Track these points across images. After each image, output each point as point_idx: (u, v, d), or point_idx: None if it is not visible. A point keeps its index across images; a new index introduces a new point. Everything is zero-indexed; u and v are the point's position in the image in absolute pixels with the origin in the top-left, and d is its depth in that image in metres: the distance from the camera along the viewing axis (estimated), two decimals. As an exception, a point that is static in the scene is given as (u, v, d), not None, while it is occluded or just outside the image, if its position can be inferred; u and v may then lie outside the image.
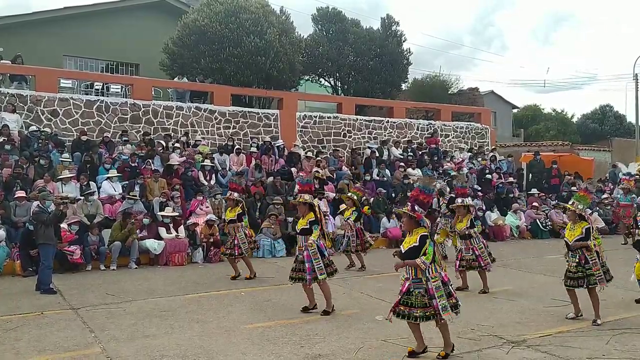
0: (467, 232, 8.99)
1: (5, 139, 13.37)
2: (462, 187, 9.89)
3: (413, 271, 5.63)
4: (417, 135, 21.33)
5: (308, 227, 7.47)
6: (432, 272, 5.60)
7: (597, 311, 7.12)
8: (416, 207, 5.63)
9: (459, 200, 9.33)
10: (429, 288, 5.57)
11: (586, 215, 7.27)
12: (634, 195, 16.26)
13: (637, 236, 8.78)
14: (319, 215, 7.56)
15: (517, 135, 37.70)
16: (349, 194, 11.91)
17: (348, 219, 11.52)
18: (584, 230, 7.09)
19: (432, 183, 5.70)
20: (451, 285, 5.78)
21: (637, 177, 19.20)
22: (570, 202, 7.36)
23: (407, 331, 6.72)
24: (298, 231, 7.68)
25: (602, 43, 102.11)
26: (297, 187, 10.12)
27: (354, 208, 11.51)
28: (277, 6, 21.73)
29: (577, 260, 7.11)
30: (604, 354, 5.93)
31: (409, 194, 15.95)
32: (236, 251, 10.05)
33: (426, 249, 5.54)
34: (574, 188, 19.20)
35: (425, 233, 5.59)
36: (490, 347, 6.19)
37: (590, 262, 7.08)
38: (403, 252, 5.71)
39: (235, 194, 9.94)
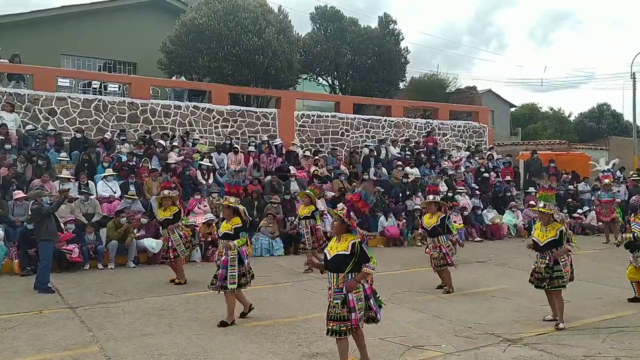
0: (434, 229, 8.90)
1: (3, 138, 13.36)
2: (433, 185, 9.86)
3: (335, 280, 5.16)
4: (415, 134, 21.37)
5: (232, 232, 7.01)
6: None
7: (562, 315, 6.90)
8: (352, 214, 5.19)
9: (430, 197, 9.26)
10: (348, 300, 5.08)
11: (558, 217, 7.02)
12: (614, 191, 16.28)
13: (621, 237, 8.64)
14: (246, 220, 7.21)
15: (515, 134, 37.73)
16: (306, 191, 11.48)
17: (302, 217, 11.07)
18: (558, 233, 6.82)
19: (374, 191, 5.36)
20: (378, 296, 5.30)
21: (637, 176, 19.25)
22: (541, 205, 7.02)
23: (404, 330, 6.76)
24: (220, 235, 7.24)
25: (600, 42, 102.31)
26: (224, 188, 8.95)
27: (312, 207, 11.00)
28: (275, 5, 21.80)
29: (546, 261, 6.89)
30: (600, 352, 5.96)
31: (407, 193, 16.19)
32: (171, 254, 9.40)
33: (364, 254, 5.09)
34: (571, 187, 19.31)
35: (355, 240, 5.10)
36: (487, 345, 6.22)
37: (561, 264, 6.84)
38: (329, 258, 5.20)
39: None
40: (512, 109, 40.77)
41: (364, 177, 16.44)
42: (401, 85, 25.97)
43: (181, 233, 9.58)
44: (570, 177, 19.98)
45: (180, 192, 13.55)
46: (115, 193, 13.04)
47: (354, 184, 16.71)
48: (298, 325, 6.99)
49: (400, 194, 16.44)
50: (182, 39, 18.56)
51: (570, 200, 18.57)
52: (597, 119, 38.44)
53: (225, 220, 7.26)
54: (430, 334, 6.60)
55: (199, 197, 13.45)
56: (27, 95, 15.08)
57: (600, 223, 16.49)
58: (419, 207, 15.50)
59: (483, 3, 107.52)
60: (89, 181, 12.95)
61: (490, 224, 16.67)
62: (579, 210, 18.16)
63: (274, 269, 11.25)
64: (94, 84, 18.82)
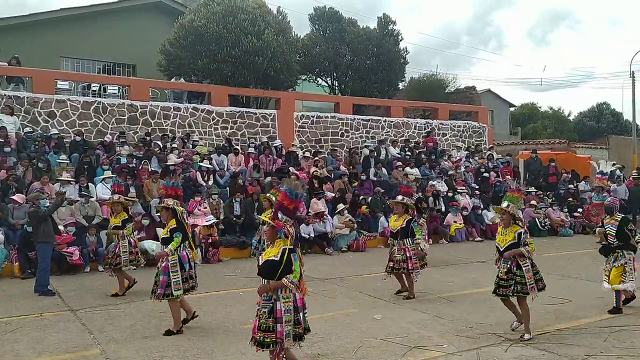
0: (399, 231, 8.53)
1: (2, 140, 13.35)
2: (406, 186, 9.43)
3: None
4: (415, 134, 21.36)
5: (169, 236, 6.73)
6: (286, 292, 4.73)
7: (527, 324, 6.49)
8: (279, 215, 4.80)
9: (399, 197, 8.84)
10: (276, 309, 4.70)
11: (519, 219, 6.73)
12: (605, 194, 16.23)
13: (599, 237, 8.23)
14: (183, 222, 6.89)
15: (515, 134, 37.76)
16: (268, 195, 10.62)
17: (264, 223, 10.72)
18: (516, 235, 6.50)
19: (300, 186, 4.88)
20: (305, 312, 4.87)
21: (638, 176, 19.24)
22: (504, 205, 6.70)
23: (405, 330, 6.75)
24: (160, 241, 6.87)
25: (599, 41, 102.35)
26: (161, 190, 8.28)
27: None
28: (274, 6, 21.79)
29: (508, 266, 6.54)
30: (601, 351, 5.95)
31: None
32: (114, 261, 8.91)
33: (290, 264, 4.70)
34: (571, 186, 19.30)
35: (286, 246, 4.72)
36: (489, 344, 6.21)
37: (523, 269, 6.45)
38: (260, 264, 4.87)
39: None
40: (512, 109, 40.81)
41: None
42: (400, 85, 26.00)
43: (131, 241, 9.12)
44: (570, 176, 19.98)
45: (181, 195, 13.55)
46: (114, 195, 13.00)
47: (355, 184, 16.74)
48: (299, 326, 6.96)
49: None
50: (181, 41, 18.57)
51: (570, 199, 18.57)
52: (596, 118, 38.46)
53: (165, 224, 6.99)
54: (431, 334, 6.59)
55: (199, 198, 13.43)
56: (27, 97, 15.08)
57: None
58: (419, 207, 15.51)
59: (482, 3, 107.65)
60: (89, 183, 12.93)
61: (491, 223, 16.65)
62: (579, 210, 18.15)
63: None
64: (94, 86, 18.82)
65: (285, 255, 4.68)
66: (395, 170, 17.58)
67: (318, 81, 24.60)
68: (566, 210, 17.96)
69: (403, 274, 8.64)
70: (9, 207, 11.42)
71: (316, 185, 15.46)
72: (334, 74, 23.89)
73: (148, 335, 6.62)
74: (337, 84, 24.29)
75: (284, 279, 4.67)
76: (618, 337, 6.44)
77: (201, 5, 19.09)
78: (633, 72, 28.50)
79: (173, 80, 19.00)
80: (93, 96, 17.76)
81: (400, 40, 24.09)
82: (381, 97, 23.16)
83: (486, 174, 19.05)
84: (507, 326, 6.90)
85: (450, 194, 17.14)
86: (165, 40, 19.28)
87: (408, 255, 8.47)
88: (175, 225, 6.76)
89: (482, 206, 17.00)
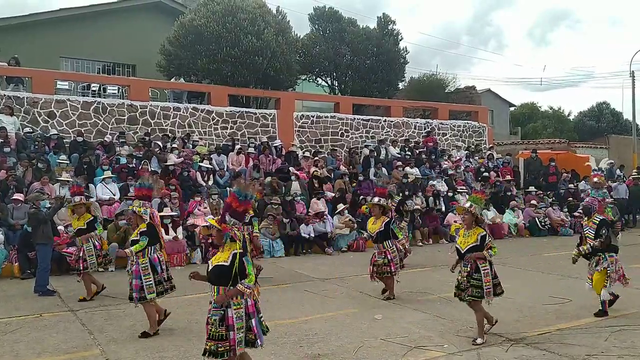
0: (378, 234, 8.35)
1: (2, 141, 13.35)
2: (381, 187, 9.17)
3: (215, 294, 4.60)
4: (415, 134, 21.36)
5: (138, 238, 6.58)
6: (237, 298, 4.54)
7: (481, 328, 6.30)
8: (227, 218, 4.57)
9: (375, 199, 8.60)
10: (228, 316, 4.50)
11: (482, 219, 6.43)
12: (604, 191, 16.18)
13: (577, 251, 7.69)
14: (153, 225, 6.71)
15: (515, 133, 37.77)
16: None
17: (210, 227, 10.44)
18: (479, 238, 6.24)
19: (250, 187, 4.68)
20: (260, 317, 4.67)
21: (638, 175, 19.22)
22: (467, 205, 6.46)
23: (406, 330, 6.74)
24: (130, 243, 6.77)
25: (599, 41, 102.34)
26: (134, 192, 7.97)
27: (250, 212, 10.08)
28: (274, 6, 21.78)
29: (468, 269, 6.29)
30: (602, 350, 5.94)
31: (407, 193, 16.16)
32: (81, 265, 8.52)
33: (243, 269, 4.50)
34: (571, 185, 19.28)
35: (237, 251, 4.50)
36: (489, 345, 6.20)
37: (482, 272, 6.23)
38: (209, 269, 4.63)
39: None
40: (512, 108, 40.82)
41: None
42: (400, 85, 26.00)
43: (96, 243, 8.69)
44: (570, 176, 19.97)
45: (180, 193, 13.57)
46: (114, 195, 13.02)
47: (354, 184, 16.72)
48: (299, 326, 6.97)
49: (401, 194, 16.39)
50: (181, 40, 18.56)
51: (570, 199, 18.56)
52: (596, 118, 38.47)
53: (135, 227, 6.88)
54: (432, 334, 6.58)
55: (199, 198, 13.44)
56: (26, 98, 15.08)
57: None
58: (419, 207, 15.50)
59: (481, 3, 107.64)
60: (88, 184, 12.92)
61: (491, 223, 16.64)
62: (580, 210, 18.11)
63: (275, 270, 11.22)
64: (93, 86, 18.84)
65: (237, 260, 4.47)
66: (395, 170, 17.57)
67: (318, 81, 24.59)
68: (566, 210, 17.94)
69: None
70: (8, 207, 11.42)
71: (316, 185, 15.46)
72: (334, 73, 23.89)
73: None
74: (337, 84, 24.28)
75: (239, 284, 4.48)
76: (619, 336, 6.43)
77: (201, 5, 19.08)
78: (633, 71, 28.51)
79: (173, 80, 18.99)
80: (93, 96, 17.77)
81: (400, 40, 24.13)
82: (381, 97, 23.16)
83: (486, 174, 19.04)
84: (507, 326, 6.90)
85: (450, 194, 17.13)
86: (165, 40, 19.27)
87: (389, 257, 8.28)
88: (145, 229, 6.63)
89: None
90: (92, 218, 8.81)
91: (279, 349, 6.07)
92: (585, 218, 7.65)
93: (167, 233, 12.16)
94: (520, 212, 17.51)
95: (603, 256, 7.33)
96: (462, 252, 6.32)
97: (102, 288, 8.78)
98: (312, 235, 13.64)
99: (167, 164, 14.43)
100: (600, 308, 7.38)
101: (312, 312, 7.65)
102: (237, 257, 4.48)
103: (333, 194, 15.36)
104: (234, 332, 4.47)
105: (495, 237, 16.15)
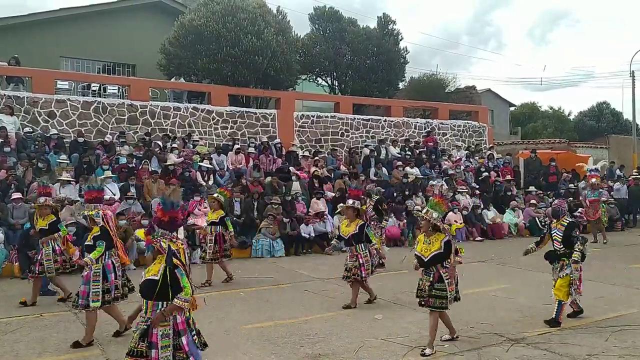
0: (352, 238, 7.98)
1: (2, 140, 13.35)
2: (355, 189, 8.83)
3: (145, 307, 4.27)
4: (415, 134, 21.36)
5: (92, 243, 6.33)
6: None
7: (432, 339, 5.95)
8: (155, 228, 4.33)
9: (350, 201, 8.18)
10: (151, 333, 4.19)
11: (441, 226, 5.99)
12: (601, 190, 16.18)
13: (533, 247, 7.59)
14: (108, 229, 6.41)
15: (515, 133, 37.76)
16: (214, 195, 10.12)
17: (209, 223, 9.87)
18: (442, 245, 5.89)
19: (175, 194, 4.30)
20: (193, 333, 4.36)
21: (637, 175, 19.21)
22: (424, 210, 6.12)
23: (406, 330, 6.74)
24: (85, 249, 6.54)
25: (599, 41, 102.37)
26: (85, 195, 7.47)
27: (221, 212, 9.85)
28: (274, 6, 21.78)
29: (431, 278, 5.97)
30: (603, 350, 5.94)
31: (407, 193, 16.12)
32: (37, 268, 8.12)
33: (177, 282, 4.18)
34: (571, 185, 19.28)
35: (170, 265, 4.19)
36: (490, 345, 6.19)
37: (446, 282, 5.92)
38: (141, 281, 4.33)
39: (42, 199, 6.59)
40: (512, 108, 40.81)
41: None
42: (400, 85, 25.99)
43: (56, 247, 8.25)
44: (570, 176, 19.96)
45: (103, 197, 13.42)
46: (115, 195, 13.01)
47: (354, 183, 16.70)
48: (299, 326, 6.97)
49: (397, 194, 16.37)
50: (181, 40, 18.55)
51: (570, 199, 18.54)
52: (596, 118, 38.44)
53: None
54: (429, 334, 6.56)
55: (199, 198, 13.42)
56: (27, 97, 15.07)
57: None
58: (419, 207, 15.49)
59: (481, 3, 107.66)
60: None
61: (491, 223, 16.67)
62: (580, 210, 18.12)
63: (275, 270, 11.22)
64: (93, 86, 18.82)
65: (169, 273, 4.16)
66: (395, 170, 17.57)
67: (318, 81, 24.59)
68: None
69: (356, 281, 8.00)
70: (8, 207, 11.42)
71: (316, 185, 15.46)
72: (334, 73, 23.89)
73: (148, 336, 6.59)
74: (337, 84, 24.28)
75: (176, 299, 4.15)
76: (619, 336, 6.42)
77: (201, 5, 19.07)
78: (633, 71, 28.51)
79: (173, 80, 18.99)
80: (93, 96, 17.75)
81: (400, 40, 24.13)
82: (381, 97, 23.16)
83: (486, 174, 19.04)
84: (508, 326, 6.90)
85: (450, 194, 17.12)
86: (165, 40, 19.27)
87: (361, 261, 7.89)
88: (99, 233, 6.36)
89: (482, 206, 17.00)
90: (55, 219, 8.35)
91: (279, 349, 6.07)
92: (554, 220, 7.35)
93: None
94: (521, 212, 17.51)
95: (567, 262, 7.00)
96: (425, 260, 5.95)
97: (67, 296, 8.32)
98: (312, 235, 13.64)
99: (167, 163, 14.42)
100: (554, 317, 6.93)
101: (312, 312, 7.65)
102: (168, 270, 4.16)
103: (333, 194, 15.36)
104: (156, 351, 4.14)
105: (495, 237, 16.25)
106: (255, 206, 13.95)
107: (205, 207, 13.36)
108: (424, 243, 6.01)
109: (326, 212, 14.32)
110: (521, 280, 9.98)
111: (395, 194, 15.98)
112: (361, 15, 46.89)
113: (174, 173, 14.30)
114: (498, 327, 6.85)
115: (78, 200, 12.27)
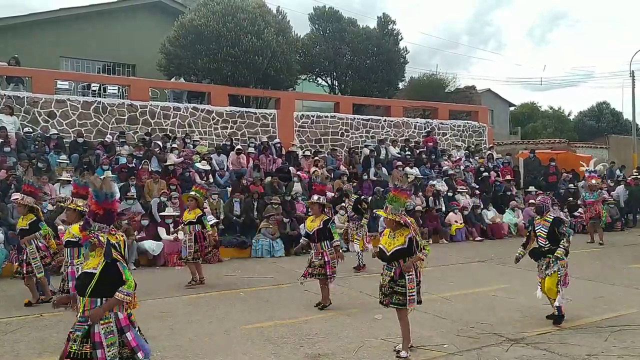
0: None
1: (2, 140, 13.35)
2: (321, 184, 8.77)
3: (82, 305, 4.07)
4: (415, 134, 21.36)
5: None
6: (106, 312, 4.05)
7: (406, 342, 5.77)
8: (91, 222, 4.07)
9: (315, 197, 8.12)
10: (93, 332, 3.98)
11: (402, 221, 5.73)
12: (600, 191, 16.18)
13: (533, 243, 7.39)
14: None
15: (515, 133, 37.77)
16: (191, 194, 10.00)
17: (187, 223, 9.69)
18: (406, 240, 5.66)
19: (106, 184, 4.15)
20: (136, 329, 4.21)
21: (637, 175, 19.21)
22: (384, 206, 5.89)
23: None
24: (65, 245, 6.63)
25: (599, 41, 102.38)
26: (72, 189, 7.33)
27: (198, 211, 9.69)
28: (274, 6, 21.77)
29: (391, 274, 5.76)
30: (602, 350, 5.94)
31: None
32: (24, 268, 8.09)
33: (119, 275, 4.02)
34: (571, 185, 19.29)
35: (110, 259, 3.98)
36: (489, 345, 6.20)
37: (406, 278, 5.69)
38: (77, 276, 4.18)
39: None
40: (512, 108, 40.83)
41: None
42: (400, 85, 26.00)
43: (40, 245, 8.15)
44: (570, 176, 19.97)
45: (181, 193, 13.55)
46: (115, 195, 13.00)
47: (354, 183, 16.72)
48: (299, 326, 6.97)
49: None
50: (181, 40, 18.56)
51: (570, 199, 18.56)
52: (596, 118, 38.46)
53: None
54: (432, 334, 6.58)
55: (199, 198, 13.41)
56: (27, 97, 15.08)
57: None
58: (420, 207, 15.51)
59: (481, 3, 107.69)
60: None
61: (491, 223, 16.67)
62: (580, 210, 18.14)
63: (275, 270, 11.23)
64: (93, 86, 18.83)
65: (109, 267, 3.98)
66: (395, 170, 17.55)
67: (318, 81, 24.59)
68: (566, 210, 17.95)
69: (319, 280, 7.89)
70: (8, 207, 11.42)
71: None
72: (334, 73, 23.89)
73: (148, 336, 6.49)
74: (337, 84, 24.28)
75: (118, 292, 3.97)
76: (619, 336, 6.43)
77: (201, 5, 19.07)
78: (633, 71, 28.52)
79: (173, 80, 19.00)
80: (93, 96, 17.75)
81: (400, 40, 24.11)
82: (381, 97, 23.16)
83: (486, 174, 19.04)
84: (507, 326, 6.90)
85: (450, 194, 17.14)
86: (165, 40, 19.27)
87: (326, 259, 7.75)
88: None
89: (482, 206, 17.01)
90: (35, 219, 8.20)
91: (279, 349, 6.07)
92: (538, 217, 7.32)
93: (168, 233, 12.20)
94: (520, 211, 17.52)
95: (553, 260, 6.92)
96: (388, 254, 5.75)
97: (36, 300, 8.23)
98: (312, 235, 13.62)
99: (167, 163, 14.43)
100: (556, 314, 6.93)
101: (312, 312, 7.65)
102: (109, 263, 3.98)
103: (333, 194, 15.35)
104: (102, 350, 3.93)
105: (495, 237, 16.26)
106: (255, 206, 13.95)
107: (206, 207, 13.36)
108: (388, 237, 5.83)
109: (326, 212, 14.28)
110: (521, 280, 9.97)
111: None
112: (361, 15, 47.01)
113: (174, 173, 14.31)
114: (498, 327, 6.85)
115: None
